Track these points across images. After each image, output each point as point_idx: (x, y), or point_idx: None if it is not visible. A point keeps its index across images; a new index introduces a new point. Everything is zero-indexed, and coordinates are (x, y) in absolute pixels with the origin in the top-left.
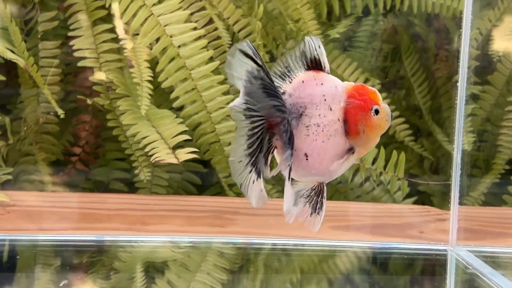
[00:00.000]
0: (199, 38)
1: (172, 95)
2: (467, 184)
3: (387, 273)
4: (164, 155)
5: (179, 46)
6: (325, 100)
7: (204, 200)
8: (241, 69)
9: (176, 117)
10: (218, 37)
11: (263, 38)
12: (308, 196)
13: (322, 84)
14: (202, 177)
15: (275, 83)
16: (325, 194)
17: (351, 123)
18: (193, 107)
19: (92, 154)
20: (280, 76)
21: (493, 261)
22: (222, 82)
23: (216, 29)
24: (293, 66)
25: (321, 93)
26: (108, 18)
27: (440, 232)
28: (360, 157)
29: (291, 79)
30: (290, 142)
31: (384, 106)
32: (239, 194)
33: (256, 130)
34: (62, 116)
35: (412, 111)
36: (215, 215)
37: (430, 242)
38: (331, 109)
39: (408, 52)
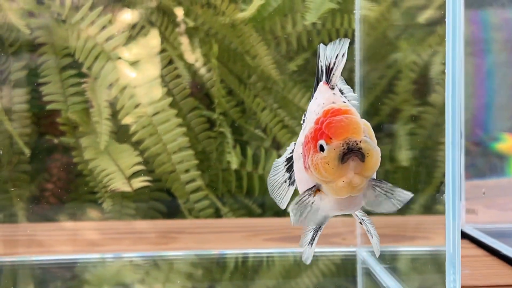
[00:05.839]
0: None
1: (132, 130)
2: None
3: None
4: (119, 184)
5: (135, 87)
6: (306, 118)
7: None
8: None
9: (135, 150)
10: (178, 76)
11: (223, 74)
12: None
13: (316, 99)
14: (167, 205)
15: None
16: (321, 228)
17: (304, 153)
18: (150, 140)
19: (64, 189)
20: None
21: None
22: (176, 115)
23: (176, 68)
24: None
25: (310, 109)
26: (74, 64)
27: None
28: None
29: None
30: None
31: (335, 145)
32: (197, 218)
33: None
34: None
35: None
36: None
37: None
38: (304, 130)
39: None
